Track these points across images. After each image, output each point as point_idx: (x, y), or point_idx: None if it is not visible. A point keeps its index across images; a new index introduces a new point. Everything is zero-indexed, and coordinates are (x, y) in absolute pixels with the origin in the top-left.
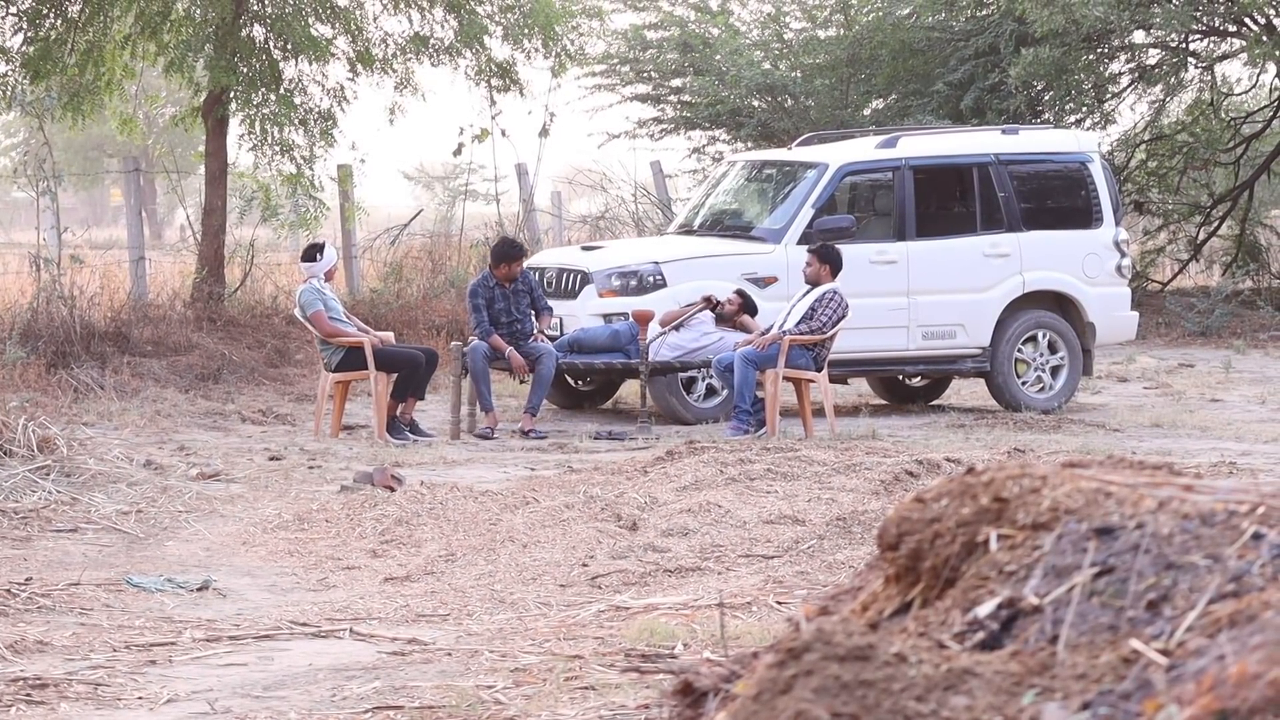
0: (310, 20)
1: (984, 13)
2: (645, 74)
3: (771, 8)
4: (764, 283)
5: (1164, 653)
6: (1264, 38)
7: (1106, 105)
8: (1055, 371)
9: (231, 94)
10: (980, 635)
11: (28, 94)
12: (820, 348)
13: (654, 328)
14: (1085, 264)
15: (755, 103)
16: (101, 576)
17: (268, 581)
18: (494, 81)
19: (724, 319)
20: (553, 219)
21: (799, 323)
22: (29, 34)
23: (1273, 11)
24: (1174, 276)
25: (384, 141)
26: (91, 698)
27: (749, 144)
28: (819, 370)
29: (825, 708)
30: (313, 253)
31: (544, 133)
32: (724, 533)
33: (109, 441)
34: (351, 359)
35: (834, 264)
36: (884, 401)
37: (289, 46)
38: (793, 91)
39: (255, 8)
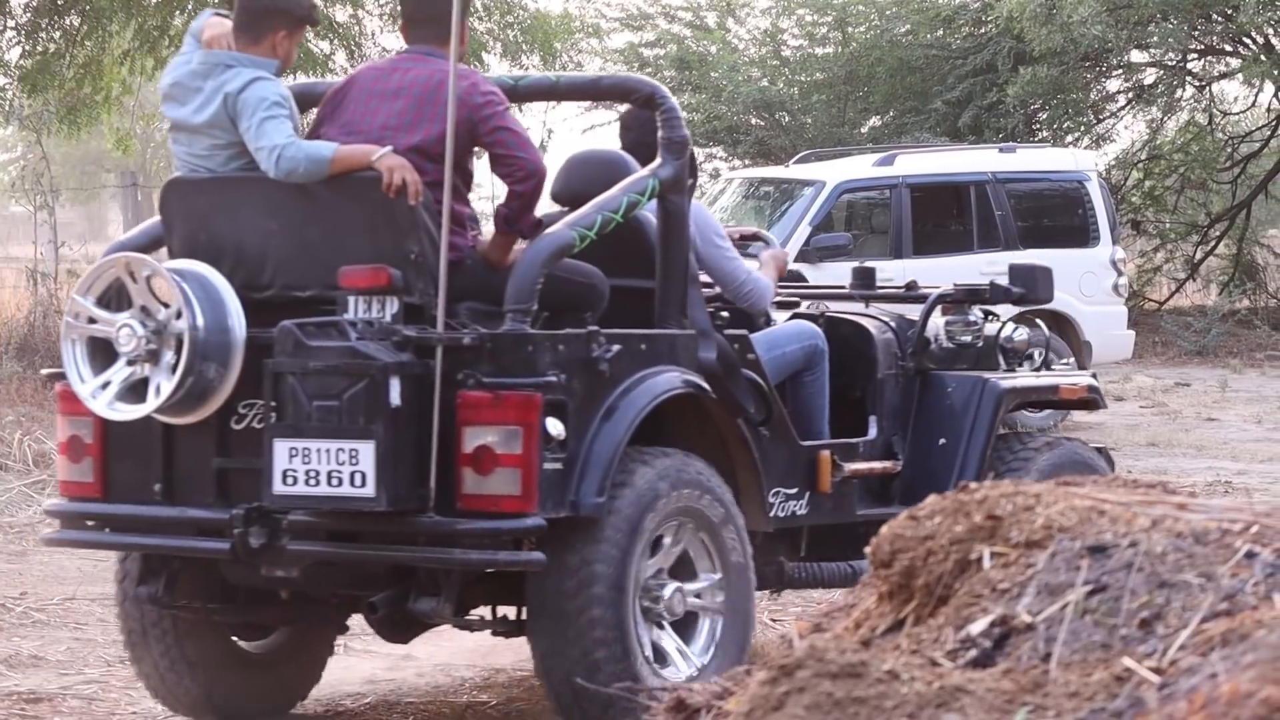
0: (308, 36)
1: (982, 31)
2: None
3: (769, 25)
4: None
5: (1156, 671)
6: (1262, 56)
7: (1104, 124)
8: None
9: None
10: (973, 653)
11: (25, 108)
12: None
13: None
14: (1082, 283)
15: (752, 120)
16: (96, 591)
17: None
18: None
19: None
20: None
21: None
22: (27, 48)
23: (1271, 30)
24: (1171, 296)
25: None
26: (86, 713)
27: (746, 161)
28: None
29: None
30: None
31: (541, 149)
32: None
33: None
34: None
35: None
36: None
37: None
38: (790, 109)
39: None
